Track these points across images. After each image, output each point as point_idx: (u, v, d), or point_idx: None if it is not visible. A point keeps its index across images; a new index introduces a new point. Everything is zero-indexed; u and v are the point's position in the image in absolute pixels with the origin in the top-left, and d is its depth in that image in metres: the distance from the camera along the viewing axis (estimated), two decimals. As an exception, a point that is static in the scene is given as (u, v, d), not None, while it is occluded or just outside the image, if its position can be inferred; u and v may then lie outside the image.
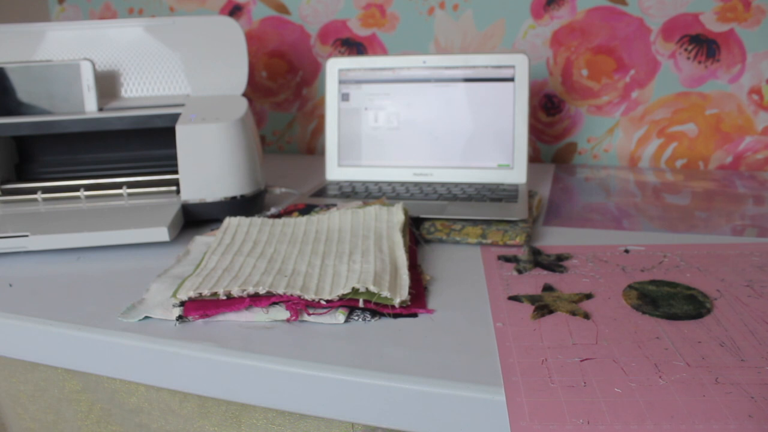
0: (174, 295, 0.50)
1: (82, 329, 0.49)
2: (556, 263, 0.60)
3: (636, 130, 1.01)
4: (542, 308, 0.50)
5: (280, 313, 0.49)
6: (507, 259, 0.61)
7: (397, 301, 0.49)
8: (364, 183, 0.85)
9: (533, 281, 0.56)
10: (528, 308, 0.50)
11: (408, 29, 1.08)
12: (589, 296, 0.52)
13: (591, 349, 0.44)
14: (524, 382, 0.40)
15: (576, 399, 0.38)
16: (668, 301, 0.51)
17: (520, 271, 0.58)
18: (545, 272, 0.58)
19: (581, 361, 0.43)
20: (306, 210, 0.73)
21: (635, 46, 0.97)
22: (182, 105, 0.78)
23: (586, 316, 0.49)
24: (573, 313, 0.49)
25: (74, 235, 0.63)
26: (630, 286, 0.54)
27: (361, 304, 0.49)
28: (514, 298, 0.52)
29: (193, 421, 0.54)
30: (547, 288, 0.54)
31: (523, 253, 0.62)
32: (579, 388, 0.39)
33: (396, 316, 0.50)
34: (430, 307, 0.51)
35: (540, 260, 0.60)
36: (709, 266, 0.58)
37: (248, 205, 0.73)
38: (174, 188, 0.73)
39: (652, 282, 0.55)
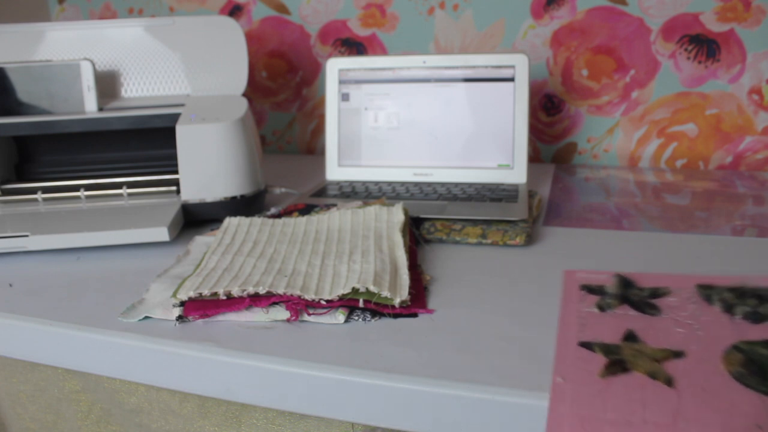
0: (174, 295, 0.50)
1: (82, 329, 0.49)
2: (647, 301, 0.50)
3: (636, 130, 1.01)
4: (616, 364, 0.41)
5: (280, 313, 0.49)
6: (591, 289, 0.52)
7: (397, 301, 0.49)
8: (364, 183, 0.85)
9: (615, 323, 0.46)
10: (599, 360, 0.41)
11: (408, 29, 1.08)
12: (678, 354, 0.42)
13: (665, 431, 0.35)
14: None
15: None
16: None
17: (602, 308, 0.49)
18: (633, 312, 0.48)
19: None
20: (306, 210, 0.73)
21: (635, 46, 0.97)
22: (182, 105, 0.77)
23: (668, 381, 0.39)
24: (653, 376, 0.39)
25: (74, 235, 0.63)
26: (735, 346, 0.42)
27: (361, 304, 0.49)
28: (586, 345, 0.43)
29: (193, 421, 0.54)
30: (629, 336, 0.44)
31: (611, 284, 0.53)
32: None
33: (396, 316, 0.50)
34: (430, 307, 0.51)
35: (629, 295, 0.51)
36: None
37: (248, 205, 0.73)
38: (174, 188, 0.73)
39: (767, 343, 0.42)
